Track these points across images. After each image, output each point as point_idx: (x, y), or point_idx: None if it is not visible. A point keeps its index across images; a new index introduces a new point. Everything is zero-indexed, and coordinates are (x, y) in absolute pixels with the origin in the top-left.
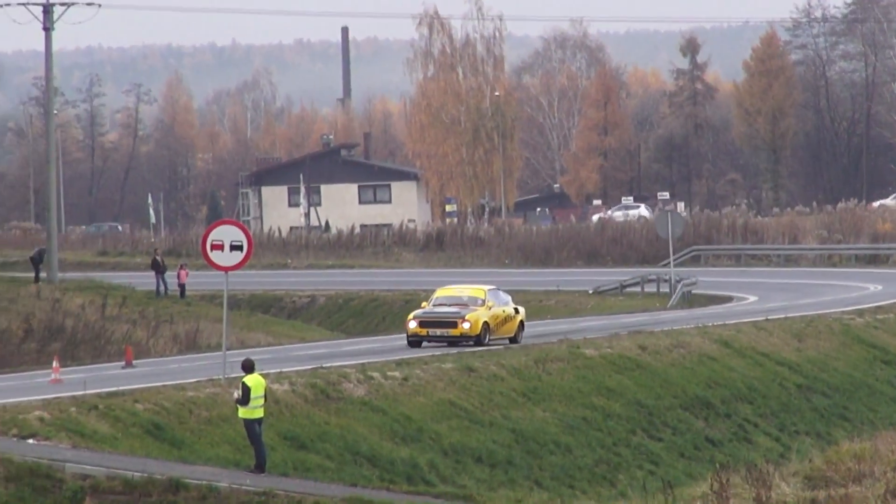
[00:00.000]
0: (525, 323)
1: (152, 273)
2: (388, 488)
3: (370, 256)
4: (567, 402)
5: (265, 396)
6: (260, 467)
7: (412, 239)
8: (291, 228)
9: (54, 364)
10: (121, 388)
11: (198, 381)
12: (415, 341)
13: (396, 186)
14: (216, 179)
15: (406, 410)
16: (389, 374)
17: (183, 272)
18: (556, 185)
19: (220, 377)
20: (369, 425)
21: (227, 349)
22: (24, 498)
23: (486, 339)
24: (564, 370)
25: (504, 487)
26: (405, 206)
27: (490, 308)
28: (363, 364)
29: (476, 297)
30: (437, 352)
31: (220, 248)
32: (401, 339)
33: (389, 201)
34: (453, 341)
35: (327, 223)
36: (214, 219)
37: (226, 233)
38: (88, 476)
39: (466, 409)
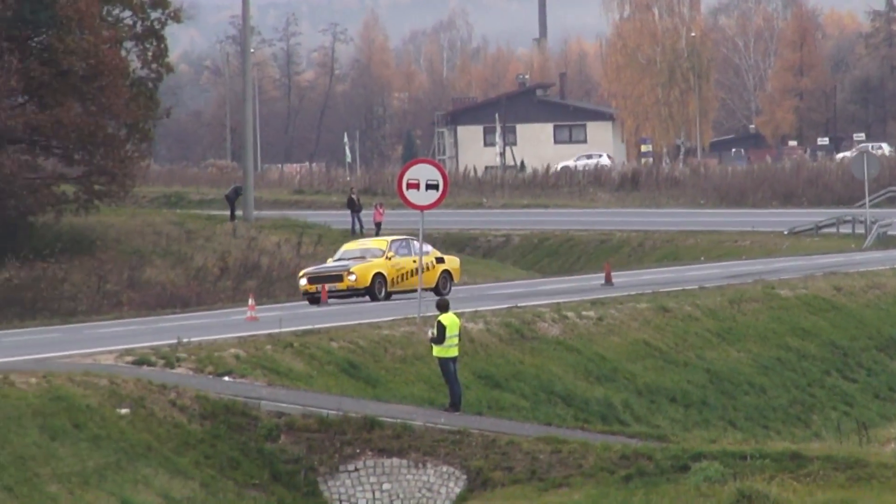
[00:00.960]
0: (454, 273)
1: (348, 212)
2: (583, 427)
3: (565, 196)
4: (761, 342)
5: (460, 335)
6: (454, 406)
7: (607, 179)
8: (487, 168)
9: (250, 302)
10: (316, 325)
11: (393, 320)
12: (310, 298)
13: (592, 126)
14: (412, 119)
15: (600, 350)
16: (584, 313)
17: (378, 211)
18: (751, 126)
19: (416, 316)
20: (563, 365)
21: (422, 288)
22: (219, 435)
23: (382, 292)
24: (759, 311)
25: (698, 427)
26: (600, 146)
27: (390, 258)
28: (558, 303)
29: (376, 249)
30: (632, 291)
31: (416, 186)
32: (597, 279)
33: (585, 141)
34: (343, 295)
35: (522, 163)
36: (410, 158)
37: (421, 172)
38: (284, 414)
39: (661, 350)
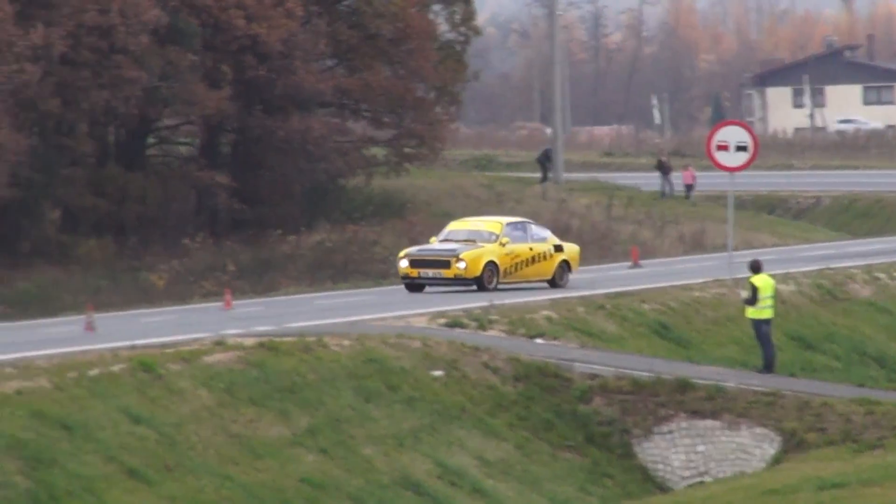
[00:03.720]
0: (572, 262)
1: (657, 174)
2: None
3: (875, 157)
4: None
5: (774, 297)
6: (768, 367)
7: None
8: (796, 129)
9: None
10: (627, 288)
11: (704, 282)
12: (411, 284)
13: None
14: (719, 81)
15: None
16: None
17: (688, 173)
18: None
19: (727, 277)
20: (876, 326)
21: (733, 249)
22: (533, 396)
23: (494, 283)
24: None
25: None
26: None
27: (504, 245)
28: (869, 265)
29: (488, 232)
30: None
31: (726, 148)
32: None
33: (894, 102)
34: (449, 284)
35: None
36: (717, 120)
37: (731, 134)
38: (596, 375)
39: None
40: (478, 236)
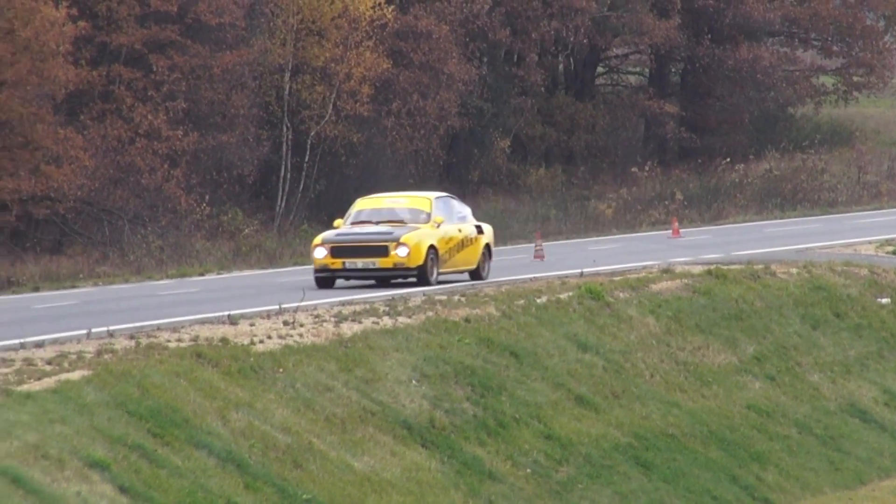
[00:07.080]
0: (492, 249)
1: None
2: None
3: None
4: None
5: None
6: None
7: None
8: None
9: None
10: None
11: None
12: (325, 278)
13: None
14: None
15: None
16: None
17: None
18: None
19: None
20: None
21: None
22: None
23: (434, 275)
24: None
25: None
26: None
27: (439, 226)
28: None
29: (415, 210)
30: None
31: None
32: None
33: None
34: (383, 277)
35: None
36: None
37: None
38: None
39: None
40: (402, 216)
